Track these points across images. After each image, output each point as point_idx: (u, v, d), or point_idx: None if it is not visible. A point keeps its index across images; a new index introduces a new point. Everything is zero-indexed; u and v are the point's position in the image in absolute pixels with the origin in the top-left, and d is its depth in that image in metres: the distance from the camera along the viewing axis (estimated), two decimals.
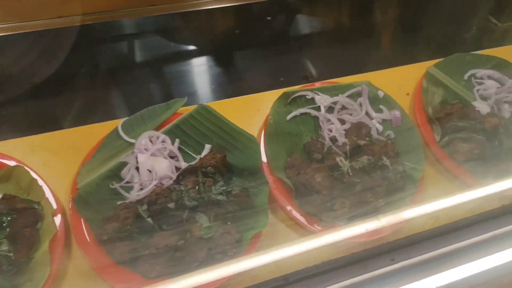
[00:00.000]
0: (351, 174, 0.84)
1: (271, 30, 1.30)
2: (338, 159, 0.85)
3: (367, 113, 0.94)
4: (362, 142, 0.88)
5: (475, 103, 0.99)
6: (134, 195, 0.78)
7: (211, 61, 1.12)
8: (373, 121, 0.94)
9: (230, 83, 1.10)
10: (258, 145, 0.84)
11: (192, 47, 1.11)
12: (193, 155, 0.84)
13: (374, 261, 0.76)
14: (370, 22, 1.46)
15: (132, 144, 0.82)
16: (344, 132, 0.90)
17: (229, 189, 0.77)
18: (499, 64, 1.06)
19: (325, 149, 0.87)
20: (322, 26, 1.41)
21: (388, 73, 1.04)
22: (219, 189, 0.76)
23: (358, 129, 0.89)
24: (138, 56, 1.09)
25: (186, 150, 0.84)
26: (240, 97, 0.94)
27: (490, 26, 1.41)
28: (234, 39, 1.18)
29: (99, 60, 1.05)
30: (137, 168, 0.80)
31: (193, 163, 0.81)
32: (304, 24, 1.37)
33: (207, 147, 0.85)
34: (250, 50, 1.27)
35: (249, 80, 1.14)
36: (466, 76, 1.03)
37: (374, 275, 0.75)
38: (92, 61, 1.05)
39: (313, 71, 1.27)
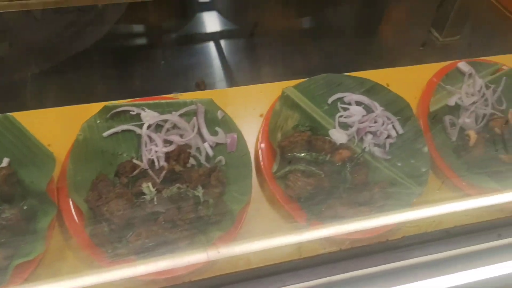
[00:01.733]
0: (155, 203, 0.76)
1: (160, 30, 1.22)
2: (145, 185, 0.77)
3: (201, 135, 0.85)
4: (178, 168, 0.79)
5: (331, 132, 0.88)
6: None
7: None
8: (205, 144, 0.85)
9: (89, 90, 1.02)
10: (54, 162, 0.77)
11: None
12: None
13: None
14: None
15: None
16: (164, 155, 0.82)
17: None
18: (374, 89, 0.94)
19: (135, 172, 0.79)
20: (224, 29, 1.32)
21: (246, 90, 0.95)
22: None
23: (178, 153, 0.81)
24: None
25: None
26: (65, 107, 0.86)
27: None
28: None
29: None
30: None
31: None
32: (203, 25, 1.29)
33: (5, 160, 0.78)
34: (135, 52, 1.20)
35: (114, 87, 1.07)
36: (330, 100, 0.92)
37: None
38: None
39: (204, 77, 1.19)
